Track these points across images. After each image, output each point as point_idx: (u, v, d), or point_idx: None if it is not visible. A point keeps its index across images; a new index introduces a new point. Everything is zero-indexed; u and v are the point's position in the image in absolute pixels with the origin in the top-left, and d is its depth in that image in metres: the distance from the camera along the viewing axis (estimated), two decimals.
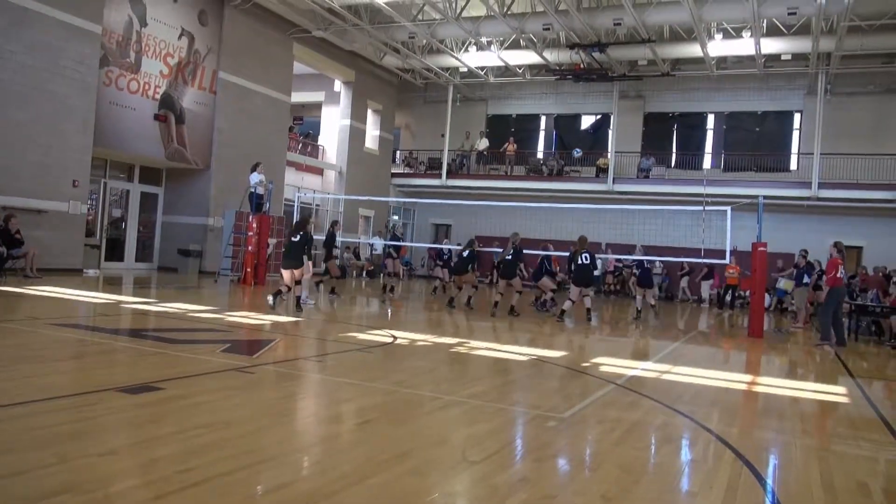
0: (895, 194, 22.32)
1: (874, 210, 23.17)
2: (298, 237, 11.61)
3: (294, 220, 17.82)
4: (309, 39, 23.11)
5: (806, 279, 16.13)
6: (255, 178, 17.73)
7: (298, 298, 11.78)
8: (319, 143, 27.60)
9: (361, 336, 9.52)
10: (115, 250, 19.56)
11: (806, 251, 16.58)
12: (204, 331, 8.85)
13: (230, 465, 3.61)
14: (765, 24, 20.67)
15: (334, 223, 16.45)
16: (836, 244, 13.16)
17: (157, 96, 18.61)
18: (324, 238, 15.57)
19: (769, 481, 4.18)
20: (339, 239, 16.75)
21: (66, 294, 11.99)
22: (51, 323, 8.32)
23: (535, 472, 3.99)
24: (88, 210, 17.40)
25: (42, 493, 3.05)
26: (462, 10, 21.21)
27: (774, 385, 8.03)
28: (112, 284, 15.07)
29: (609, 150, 27.09)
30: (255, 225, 17.61)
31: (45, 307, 10.30)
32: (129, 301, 12.31)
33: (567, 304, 13.63)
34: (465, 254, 14.82)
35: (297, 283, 11.71)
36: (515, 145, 28.68)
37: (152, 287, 15.58)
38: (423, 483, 3.66)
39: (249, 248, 17.55)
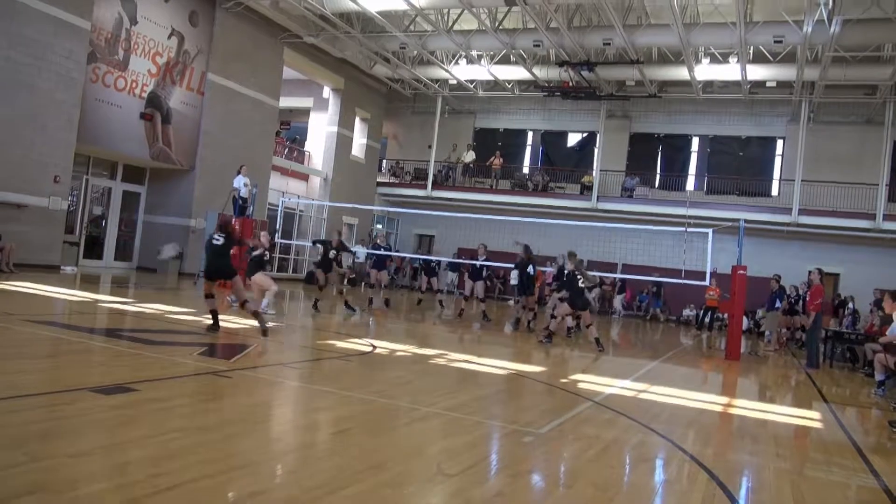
0: (873, 223, 22.65)
1: (852, 238, 23.48)
2: (222, 239, 9.32)
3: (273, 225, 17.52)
4: (299, 45, 23.10)
5: (778, 304, 16.36)
6: (240, 180, 17.64)
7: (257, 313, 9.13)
8: (306, 148, 27.55)
9: (341, 345, 9.47)
10: (94, 248, 19.34)
11: (779, 276, 16.78)
12: (181, 333, 8.77)
13: (203, 470, 3.58)
14: (751, 51, 21.00)
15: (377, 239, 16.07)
16: (819, 270, 13.33)
17: (144, 95, 18.48)
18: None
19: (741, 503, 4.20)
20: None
21: (42, 291, 11.83)
22: (25, 320, 8.20)
23: (510, 487, 3.98)
24: (69, 207, 17.21)
25: (10, 493, 2.99)
26: (454, 23, 21.34)
27: (749, 408, 8.08)
28: (90, 283, 14.90)
29: (594, 167, 27.30)
30: (237, 228, 17.49)
31: (20, 303, 10.15)
32: (107, 300, 12.17)
33: (553, 324, 12.62)
34: (530, 270, 14.03)
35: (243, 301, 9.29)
36: (502, 159, 28.79)
37: (130, 287, 15.41)
38: (397, 495, 3.64)
39: (231, 251, 17.39)
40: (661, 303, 25.02)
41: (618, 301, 25.34)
